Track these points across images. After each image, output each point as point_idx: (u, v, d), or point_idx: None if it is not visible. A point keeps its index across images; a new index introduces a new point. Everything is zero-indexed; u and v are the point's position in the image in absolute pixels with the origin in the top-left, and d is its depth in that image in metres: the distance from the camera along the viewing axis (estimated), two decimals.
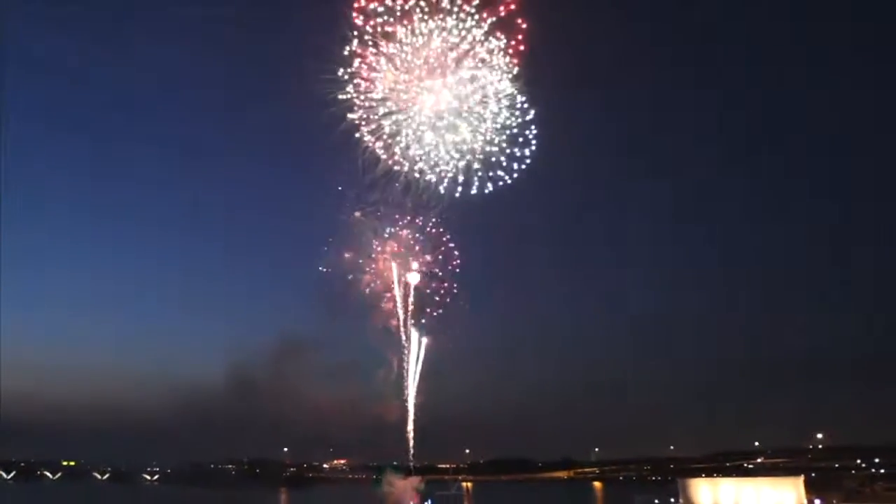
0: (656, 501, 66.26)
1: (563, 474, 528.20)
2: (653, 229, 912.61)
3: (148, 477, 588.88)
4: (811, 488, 56.91)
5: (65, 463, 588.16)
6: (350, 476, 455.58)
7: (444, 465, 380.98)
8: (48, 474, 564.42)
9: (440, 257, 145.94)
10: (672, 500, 60.25)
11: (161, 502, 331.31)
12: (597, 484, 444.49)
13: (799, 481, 53.07)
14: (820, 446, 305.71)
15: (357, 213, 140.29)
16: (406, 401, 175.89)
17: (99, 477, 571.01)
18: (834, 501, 54.45)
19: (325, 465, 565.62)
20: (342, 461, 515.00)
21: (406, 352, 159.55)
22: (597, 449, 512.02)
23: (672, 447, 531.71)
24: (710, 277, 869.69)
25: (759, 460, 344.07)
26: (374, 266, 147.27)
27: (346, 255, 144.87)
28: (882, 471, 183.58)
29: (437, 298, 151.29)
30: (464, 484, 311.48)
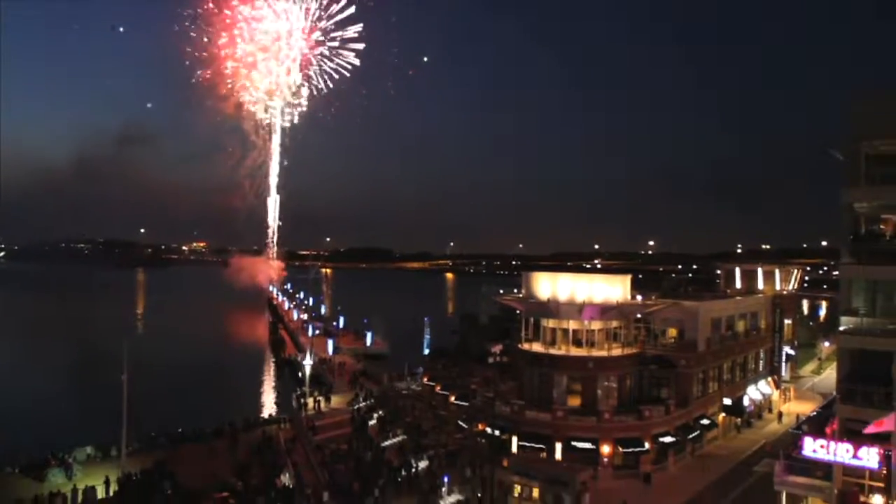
0: (501, 291, 71.96)
1: (418, 265, 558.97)
2: (520, 51, 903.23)
3: None
4: (636, 287, 64.26)
5: None
6: (209, 259, 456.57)
7: (304, 252, 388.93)
8: None
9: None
10: (515, 290, 65.97)
11: (7, 280, 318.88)
12: (449, 275, 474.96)
13: (627, 279, 59.43)
14: (650, 252, 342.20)
15: None
16: (267, 188, 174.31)
17: None
18: (653, 297, 62.08)
19: (183, 248, 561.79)
20: (201, 244, 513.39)
21: (268, 139, 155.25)
22: (451, 244, 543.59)
23: (521, 245, 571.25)
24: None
25: (596, 262, 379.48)
26: (233, 50, 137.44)
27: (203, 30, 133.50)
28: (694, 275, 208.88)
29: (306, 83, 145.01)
30: (323, 270, 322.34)
